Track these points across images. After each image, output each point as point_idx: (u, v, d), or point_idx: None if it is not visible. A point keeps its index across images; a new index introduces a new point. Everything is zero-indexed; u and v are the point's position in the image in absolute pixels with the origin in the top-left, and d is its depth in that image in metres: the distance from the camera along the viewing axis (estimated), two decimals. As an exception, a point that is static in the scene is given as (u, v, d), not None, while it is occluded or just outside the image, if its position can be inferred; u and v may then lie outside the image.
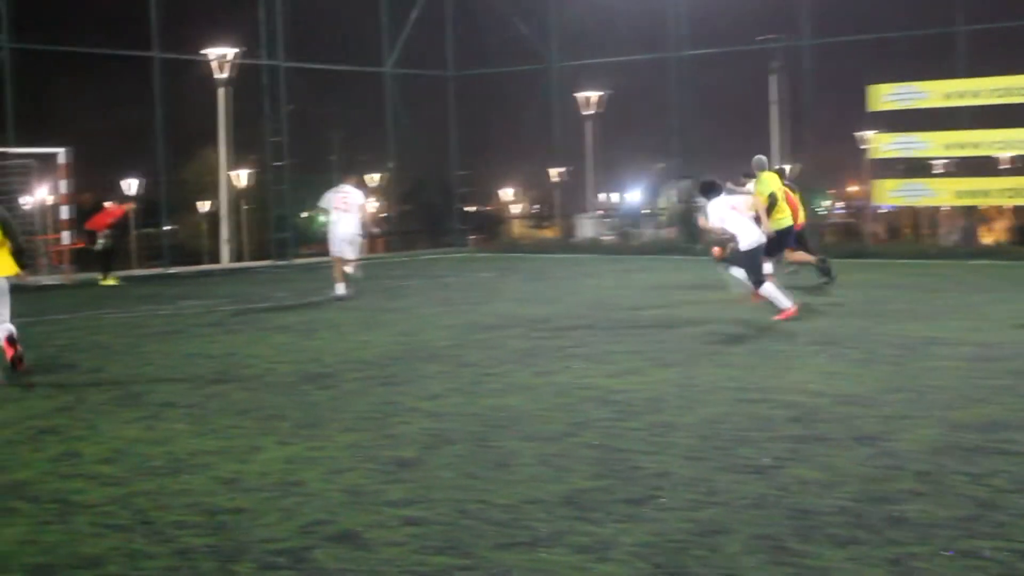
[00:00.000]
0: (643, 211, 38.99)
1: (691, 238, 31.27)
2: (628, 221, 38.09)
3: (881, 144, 28.02)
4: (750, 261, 15.26)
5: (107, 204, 25.43)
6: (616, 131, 42.30)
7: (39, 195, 28.93)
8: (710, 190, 15.76)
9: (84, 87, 38.06)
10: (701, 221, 16.54)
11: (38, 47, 28.71)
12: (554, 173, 41.14)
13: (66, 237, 25.01)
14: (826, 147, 39.88)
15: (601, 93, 40.85)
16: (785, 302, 14.71)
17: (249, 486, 6.72)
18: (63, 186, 25.11)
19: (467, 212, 39.33)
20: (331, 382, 10.43)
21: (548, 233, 42.16)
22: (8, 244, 11.36)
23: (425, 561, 5.32)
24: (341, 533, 5.77)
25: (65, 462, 7.46)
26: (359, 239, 20.48)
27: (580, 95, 40.59)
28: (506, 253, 33.03)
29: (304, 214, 39.53)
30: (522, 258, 31.02)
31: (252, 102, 32.53)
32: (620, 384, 9.91)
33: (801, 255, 19.04)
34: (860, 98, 27.68)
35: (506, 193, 66.12)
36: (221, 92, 31.19)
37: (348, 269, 20.14)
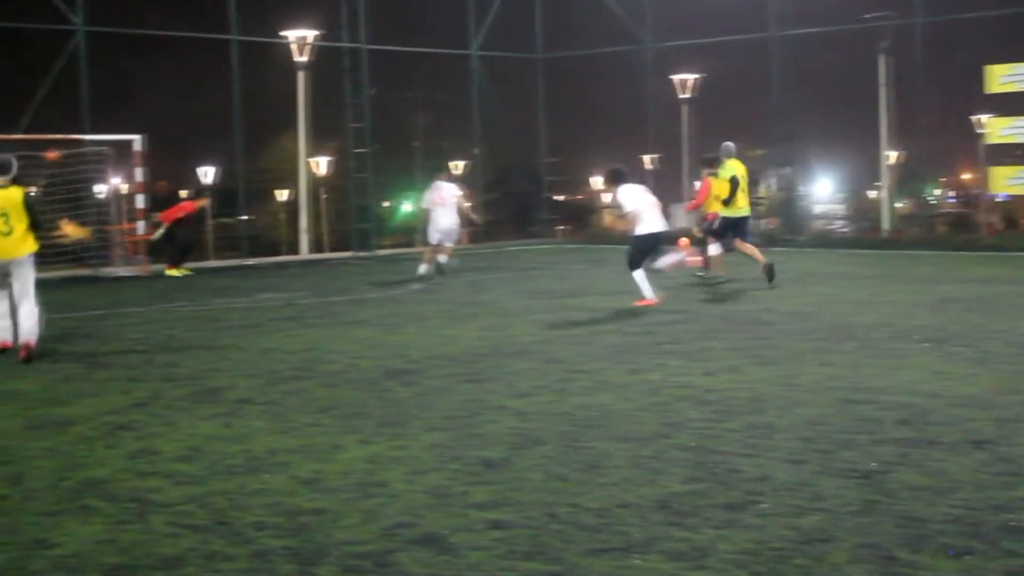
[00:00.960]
0: (742, 200, 38.73)
1: (793, 228, 31.04)
2: (726, 210, 37.85)
3: (998, 128, 27.59)
4: (637, 246, 16.64)
5: (183, 193, 25.82)
6: (713, 116, 42.02)
7: (114, 183, 29.36)
8: (619, 177, 17.12)
9: (160, 72, 38.60)
10: (618, 210, 17.61)
11: (114, 30, 29.16)
12: (648, 160, 41.01)
13: (141, 227, 25.38)
14: (938, 132, 39.34)
15: (698, 76, 40.62)
16: (648, 292, 16.09)
17: (330, 486, 6.79)
18: (139, 174, 25.47)
19: (555, 201, 39.37)
20: (415, 379, 10.50)
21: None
22: (28, 221, 12.69)
23: (513, 567, 5.34)
24: (425, 536, 5.81)
25: (142, 459, 7.59)
26: (457, 231, 22.92)
27: (676, 78, 40.40)
28: (596, 244, 32.98)
29: (386, 203, 39.79)
30: (613, 249, 30.87)
31: (332, 86, 32.80)
32: (717, 383, 9.87)
33: (751, 249, 19.33)
34: (975, 80, 27.27)
35: (596, 181, 66.01)
36: (301, 76, 31.44)
37: (442, 258, 21.99)
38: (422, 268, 21.64)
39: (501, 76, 36.07)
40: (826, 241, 30.87)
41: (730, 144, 19.60)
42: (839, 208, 46.32)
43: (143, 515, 6.30)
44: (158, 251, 25.57)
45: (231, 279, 24.08)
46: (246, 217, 31.68)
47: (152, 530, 6.03)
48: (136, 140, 25.36)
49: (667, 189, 40.73)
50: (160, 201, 25.91)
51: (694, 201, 21.38)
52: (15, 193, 12.82)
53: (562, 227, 38.46)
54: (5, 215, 12.64)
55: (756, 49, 32.68)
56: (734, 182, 18.92)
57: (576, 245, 33.43)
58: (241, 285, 22.17)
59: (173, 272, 24.47)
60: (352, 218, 32.34)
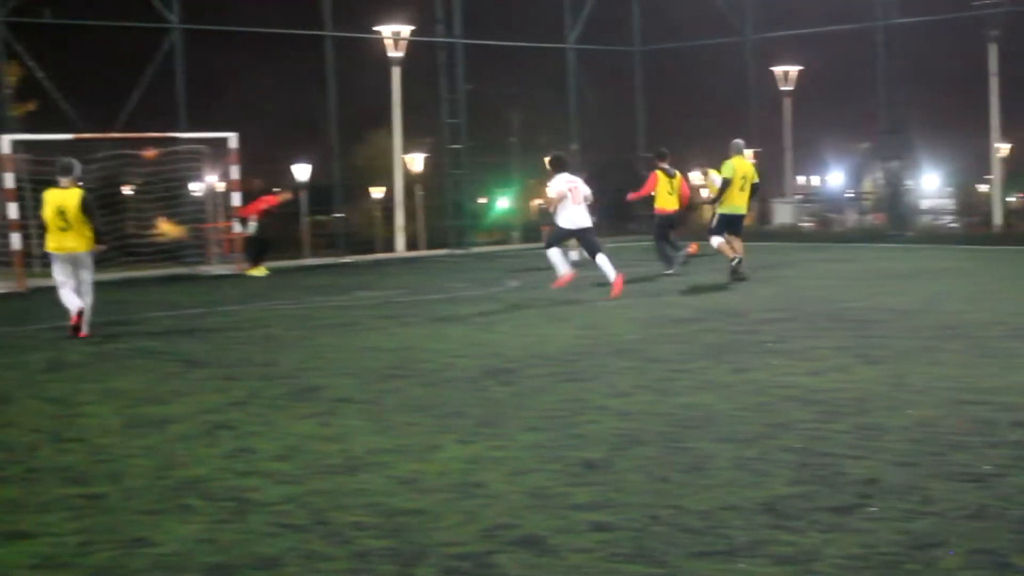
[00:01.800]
0: (846, 195, 38.36)
1: (899, 224, 30.67)
2: (829, 206, 37.52)
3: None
4: (557, 235, 18.19)
5: (276, 191, 26.08)
6: (816, 108, 41.62)
7: (210, 181, 29.77)
8: (556, 164, 18.24)
9: (254, 69, 39.03)
10: (546, 197, 18.74)
11: (208, 27, 29.57)
12: (749, 155, 40.71)
13: (237, 225, 25.69)
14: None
15: (800, 67, 40.24)
16: (564, 269, 17.97)
17: (428, 486, 6.82)
18: (233, 172, 25.79)
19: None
20: (513, 378, 10.52)
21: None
22: (88, 222, 14.46)
23: (615, 569, 5.33)
24: (525, 538, 5.82)
25: (240, 458, 7.68)
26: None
27: (777, 69, 40.06)
28: (696, 241, 32.78)
29: (482, 200, 39.90)
30: (714, 246, 30.76)
31: (427, 82, 32.96)
32: (823, 383, 9.77)
33: (739, 247, 19.91)
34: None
35: (695, 176, 65.64)
36: (395, 71, 31.63)
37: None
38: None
39: (598, 69, 36.02)
40: (934, 236, 30.47)
41: (739, 141, 20.25)
42: (947, 202, 45.64)
43: (242, 514, 6.38)
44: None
45: (327, 277, 24.31)
46: (341, 215, 31.91)
47: (251, 529, 6.10)
48: (231, 138, 25.67)
49: (768, 184, 40.45)
50: (252, 199, 26.15)
51: (639, 192, 22.20)
52: (74, 195, 14.52)
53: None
54: (63, 214, 14.41)
55: (861, 39, 32.30)
56: (725, 183, 19.66)
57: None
58: (337, 283, 22.37)
59: (253, 272, 24.58)
60: (448, 215, 32.49)
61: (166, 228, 31.28)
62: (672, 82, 38.85)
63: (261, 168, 34.67)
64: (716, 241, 20.02)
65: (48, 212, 14.55)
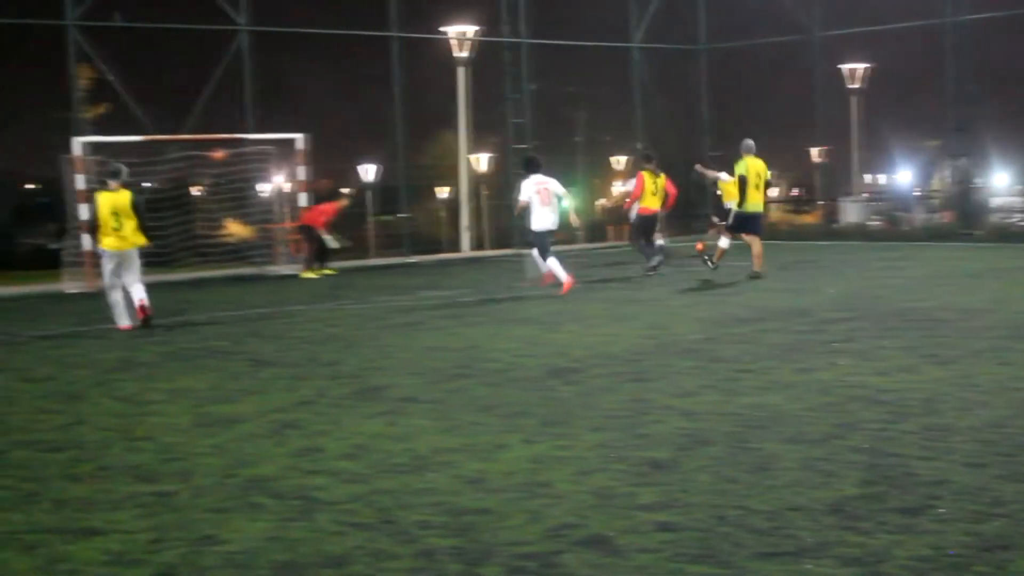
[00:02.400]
0: (914, 193, 37.99)
1: (968, 223, 30.34)
2: (898, 205, 37.15)
3: None
4: (539, 241, 19.08)
5: (344, 189, 26.18)
6: (884, 106, 41.27)
7: (277, 182, 29.98)
8: (528, 166, 19.40)
9: (321, 70, 39.26)
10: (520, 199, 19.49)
11: (276, 29, 29.78)
12: (816, 153, 40.43)
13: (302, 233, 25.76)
14: None
15: (868, 65, 39.92)
16: (563, 275, 18.45)
17: (494, 486, 6.84)
18: (301, 173, 25.95)
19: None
20: (578, 377, 10.52)
21: (808, 218, 41.43)
22: (136, 220, 15.68)
23: (680, 570, 5.32)
24: (591, 537, 5.82)
25: (307, 457, 7.74)
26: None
27: (845, 67, 39.76)
28: (763, 240, 32.61)
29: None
30: (780, 246, 30.59)
31: (492, 82, 33.00)
32: (891, 383, 9.69)
33: (758, 248, 20.36)
34: None
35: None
36: (461, 72, 31.69)
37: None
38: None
39: (664, 68, 35.91)
40: (1004, 235, 30.07)
41: (750, 142, 20.52)
42: (1017, 200, 45.07)
43: (309, 513, 6.42)
44: (325, 249, 25.86)
45: (393, 277, 24.42)
46: (407, 215, 32.02)
47: (318, 528, 6.14)
48: (298, 139, 25.83)
49: (836, 183, 40.17)
50: (322, 199, 26.22)
51: (631, 197, 22.52)
52: (124, 196, 15.79)
53: (725, 223, 38.09)
54: (116, 214, 15.66)
55: (930, 36, 31.98)
56: (742, 181, 20.00)
57: (741, 241, 33.09)
58: (403, 283, 22.46)
59: (309, 275, 24.63)
60: (513, 215, 32.50)
61: (234, 228, 31.50)
62: (738, 80, 38.68)
63: (328, 169, 34.80)
64: (725, 242, 20.68)
65: (104, 213, 15.76)
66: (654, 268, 21.43)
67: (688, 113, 36.87)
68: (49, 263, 26.69)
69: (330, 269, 25.25)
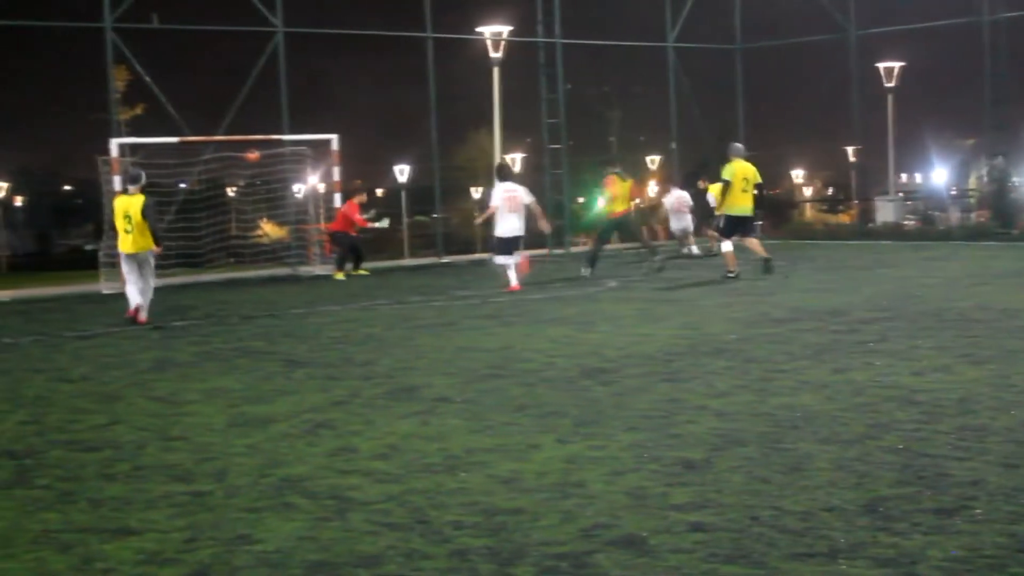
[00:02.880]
0: (950, 192, 37.79)
1: (1005, 221, 30.15)
2: (933, 204, 36.99)
3: None
4: (503, 247, 19.72)
5: (380, 190, 26.20)
6: (920, 105, 41.15)
7: (311, 183, 30.07)
8: (499, 173, 20.08)
9: (356, 70, 39.38)
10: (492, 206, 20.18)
11: (312, 31, 29.89)
12: (851, 152, 40.27)
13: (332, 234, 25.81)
14: None
15: (904, 63, 39.73)
16: (514, 280, 19.44)
17: (527, 486, 6.84)
18: (335, 173, 26.02)
19: (755, 196, 38.86)
20: (612, 377, 10.51)
21: (843, 218, 41.32)
22: (147, 224, 16.37)
23: (714, 570, 5.30)
24: (624, 538, 5.81)
25: (341, 457, 7.75)
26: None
27: (881, 66, 39.58)
28: (796, 240, 32.55)
29: (580, 199, 39.87)
30: (814, 245, 30.53)
31: (527, 82, 33.01)
32: (926, 383, 9.64)
33: (754, 243, 20.95)
34: None
35: (796, 175, 64.98)
36: (495, 72, 31.70)
37: (695, 249, 24.67)
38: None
39: (699, 68, 35.84)
40: (1042, 234, 29.89)
41: (738, 145, 21.24)
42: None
43: (343, 513, 6.44)
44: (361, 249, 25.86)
45: (427, 277, 24.46)
46: (440, 215, 32.06)
47: (352, 528, 6.16)
48: (333, 139, 25.91)
49: (871, 183, 40.00)
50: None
51: (609, 201, 22.57)
52: (138, 200, 16.46)
53: (760, 222, 37.97)
54: (128, 217, 16.42)
55: (967, 34, 31.79)
56: (725, 184, 20.47)
57: (776, 241, 33.02)
58: (437, 283, 22.49)
59: (339, 276, 24.63)
60: (547, 215, 32.49)
61: (268, 229, 31.61)
62: (773, 79, 38.58)
63: (363, 170, 34.94)
64: (727, 247, 20.71)
65: (117, 217, 16.68)
66: (588, 275, 22.01)
67: (723, 112, 36.78)
68: (86, 264, 26.84)
69: (363, 270, 25.30)
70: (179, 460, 7.87)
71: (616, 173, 22.01)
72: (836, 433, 7.90)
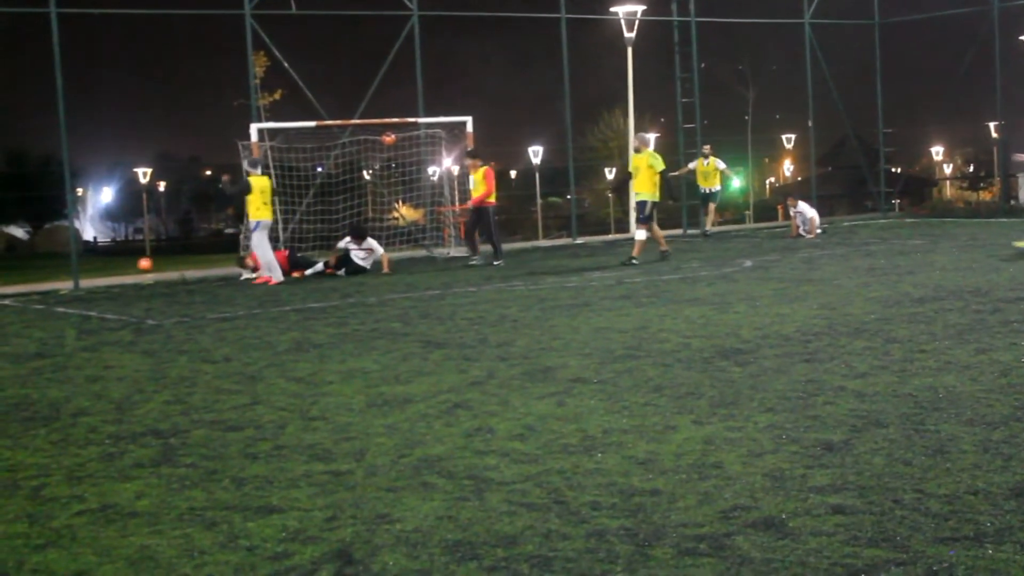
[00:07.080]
0: (1098, 168, 36.73)
1: None
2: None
3: None
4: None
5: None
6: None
7: (446, 165, 30.23)
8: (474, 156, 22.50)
9: (490, 52, 39.54)
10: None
11: (447, 13, 30.02)
12: (993, 128, 39.36)
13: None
14: None
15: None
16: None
17: (665, 467, 6.80)
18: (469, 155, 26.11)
19: (893, 174, 38.22)
20: (749, 358, 10.40)
21: (985, 195, 40.41)
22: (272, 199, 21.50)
23: (856, 553, 5.22)
24: (763, 520, 5.75)
25: (478, 437, 7.79)
26: None
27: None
28: (937, 218, 31.92)
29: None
30: (955, 223, 29.91)
31: (661, 61, 32.81)
32: (1074, 364, 9.40)
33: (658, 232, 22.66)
34: None
35: (936, 152, 63.74)
36: (629, 52, 31.52)
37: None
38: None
39: (836, 44, 35.28)
40: None
41: (643, 135, 23.58)
42: None
43: (480, 493, 6.46)
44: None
45: (561, 259, 24.45)
46: (575, 196, 32.03)
47: (489, 508, 6.18)
48: (467, 122, 26.01)
49: (1014, 159, 38.99)
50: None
51: (482, 194, 23.38)
52: (266, 179, 21.78)
53: (899, 200, 37.32)
54: (263, 192, 21.41)
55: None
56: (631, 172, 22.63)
57: (915, 219, 32.42)
58: (571, 264, 22.49)
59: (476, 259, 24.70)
60: (683, 195, 32.28)
61: (404, 211, 31.83)
62: (913, 55, 37.83)
63: (497, 151, 35.02)
64: (641, 235, 22.47)
65: (256, 192, 21.39)
66: (480, 262, 23.02)
67: (861, 89, 36.19)
68: (227, 247, 27.31)
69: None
70: (319, 440, 7.96)
71: (489, 165, 23.60)
72: (981, 415, 7.73)
